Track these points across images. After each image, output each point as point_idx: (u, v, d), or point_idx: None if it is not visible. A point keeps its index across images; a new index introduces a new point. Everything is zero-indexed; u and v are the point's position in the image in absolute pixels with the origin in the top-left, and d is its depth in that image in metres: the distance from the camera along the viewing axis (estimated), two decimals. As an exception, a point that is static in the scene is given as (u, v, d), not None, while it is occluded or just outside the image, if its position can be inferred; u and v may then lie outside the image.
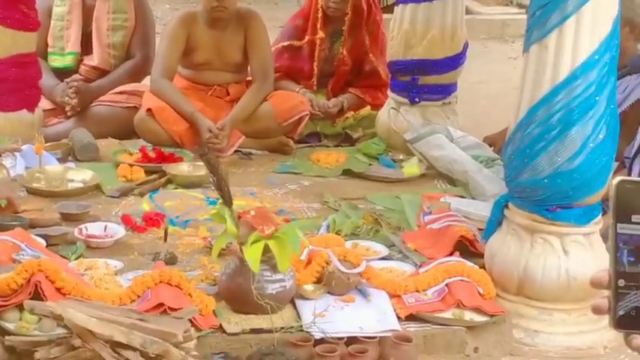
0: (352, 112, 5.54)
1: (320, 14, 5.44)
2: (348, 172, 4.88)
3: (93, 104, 5.23)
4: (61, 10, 5.35)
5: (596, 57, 3.17)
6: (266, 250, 3.24)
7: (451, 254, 3.58)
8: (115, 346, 2.86)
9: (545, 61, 3.25)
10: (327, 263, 3.44)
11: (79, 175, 4.55)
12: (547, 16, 3.17)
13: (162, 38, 5.15)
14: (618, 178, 1.14)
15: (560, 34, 3.19)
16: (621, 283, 1.18)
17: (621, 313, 1.18)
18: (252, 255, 3.18)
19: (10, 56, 4.69)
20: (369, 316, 3.37)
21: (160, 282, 3.27)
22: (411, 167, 4.68)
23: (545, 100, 3.22)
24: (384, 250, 3.78)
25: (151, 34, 5.48)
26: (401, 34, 4.90)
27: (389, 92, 5.12)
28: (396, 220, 4.12)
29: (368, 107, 5.54)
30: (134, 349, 2.86)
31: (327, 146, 5.36)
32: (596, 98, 3.20)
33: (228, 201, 3.31)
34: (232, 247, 3.49)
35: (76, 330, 2.88)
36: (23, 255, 3.48)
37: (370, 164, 4.85)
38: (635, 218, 1.15)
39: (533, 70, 3.32)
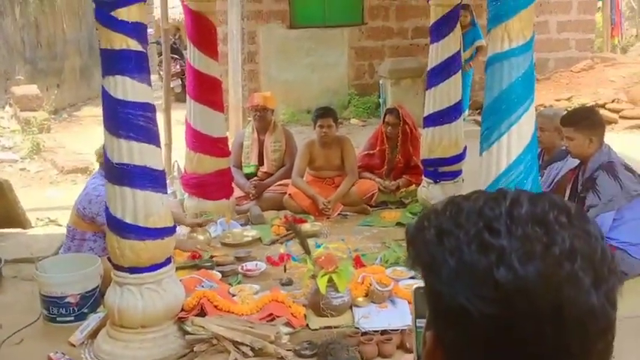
0: (405, 189, 5.24)
1: (384, 136, 5.00)
2: (400, 224, 4.52)
3: (265, 192, 4.97)
4: (247, 143, 5.52)
5: (522, 156, 2.64)
6: (331, 279, 2.83)
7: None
8: (235, 343, 2.56)
9: (490, 161, 2.76)
10: (370, 284, 3.03)
11: (251, 233, 4.67)
12: (491, 132, 2.68)
13: (298, 154, 4.97)
14: (415, 286, 0.76)
15: (499, 145, 2.71)
16: None
17: None
18: (321, 283, 2.87)
19: (213, 171, 4.56)
20: (396, 317, 3.38)
21: (272, 300, 2.99)
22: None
23: (491, 186, 2.74)
24: (412, 272, 3.28)
25: (294, 152, 5.31)
26: (426, 144, 4.41)
27: (422, 176, 4.59)
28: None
29: (414, 185, 5.09)
30: (246, 345, 2.54)
31: (390, 209, 5.21)
32: (524, 181, 2.65)
33: (307, 251, 3.01)
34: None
35: (213, 334, 2.59)
36: (202, 286, 3.26)
37: (413, 218, 4.25)
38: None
39: (485, 166, 2.82)
